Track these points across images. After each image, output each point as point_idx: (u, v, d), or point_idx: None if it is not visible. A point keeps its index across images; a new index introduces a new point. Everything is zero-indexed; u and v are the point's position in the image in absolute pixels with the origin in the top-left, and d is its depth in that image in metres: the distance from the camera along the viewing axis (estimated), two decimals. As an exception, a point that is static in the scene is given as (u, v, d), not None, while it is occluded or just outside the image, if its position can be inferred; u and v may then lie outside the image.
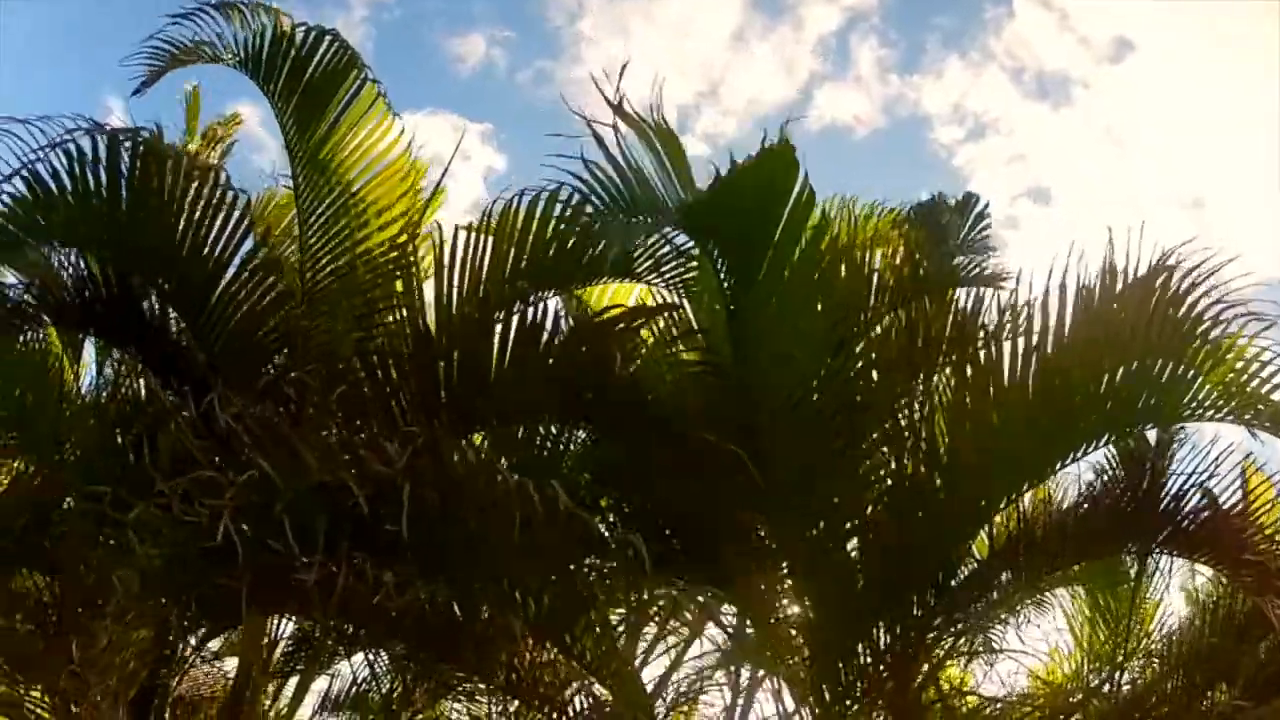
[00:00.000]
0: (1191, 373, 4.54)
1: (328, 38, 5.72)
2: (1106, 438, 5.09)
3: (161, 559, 4.18)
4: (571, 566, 5.36)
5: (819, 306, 5.28)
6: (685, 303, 5.74)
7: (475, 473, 4.52)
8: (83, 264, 5.77)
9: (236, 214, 5.42)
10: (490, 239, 5.44)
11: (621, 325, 5.89)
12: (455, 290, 5.57)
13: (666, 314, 5.69)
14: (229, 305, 5.65)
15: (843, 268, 5.73)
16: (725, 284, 4.86)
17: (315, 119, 5.81)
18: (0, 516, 6.31)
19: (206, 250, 5.48)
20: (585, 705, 5.72)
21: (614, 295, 6.81)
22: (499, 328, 5.58)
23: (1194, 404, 4.67)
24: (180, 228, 5.35)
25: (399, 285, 5.86)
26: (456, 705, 7.03)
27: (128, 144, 4.98)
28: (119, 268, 5.68)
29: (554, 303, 5.78)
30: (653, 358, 5.87)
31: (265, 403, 4.80)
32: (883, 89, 17.81)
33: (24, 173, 4.78)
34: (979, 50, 17.56)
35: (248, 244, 5.64)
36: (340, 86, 5.78)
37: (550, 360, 5.48)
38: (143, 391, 6.37)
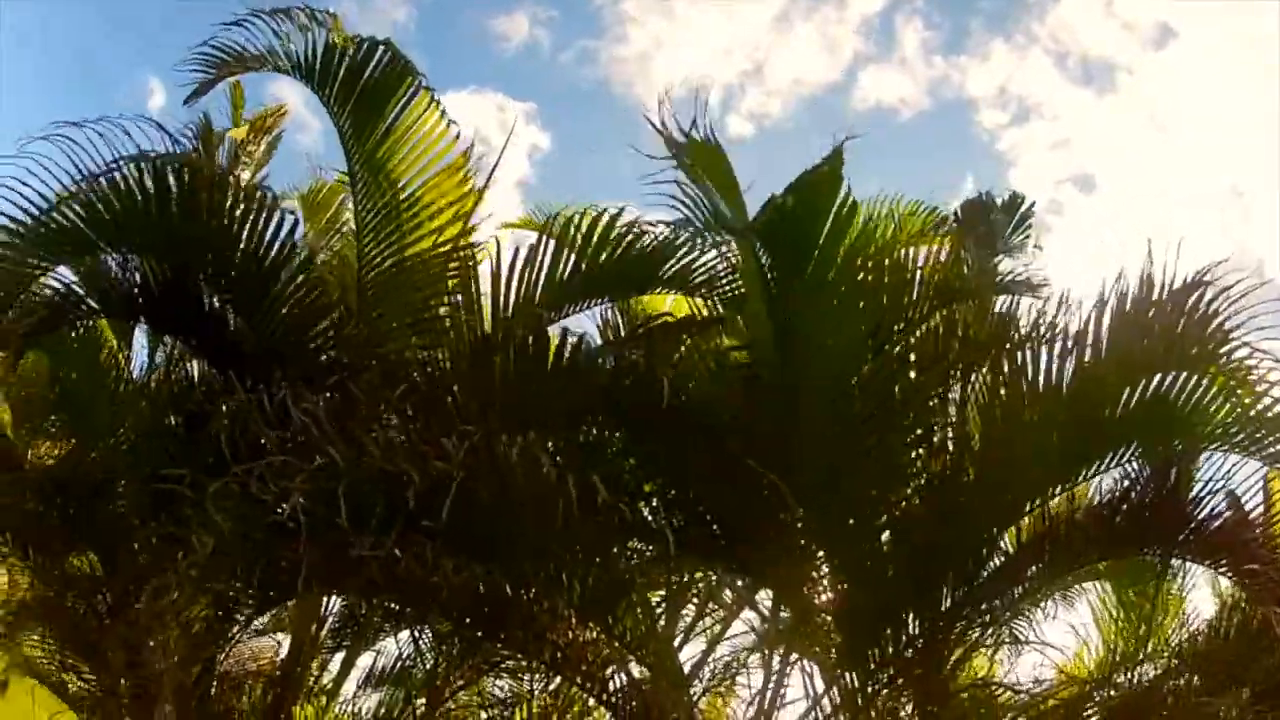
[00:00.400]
0: (1217, 395, 4.75)
1: (381, 48, 5.93)
2: (1135, 448, 5.28)
3: (233, 532, 4.46)
4: (614, 550, 5.65)
5: (861, 308, 5.53)
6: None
7: (523, 467, 4.78)
8: (136, 261, 6.04)
9: (288, 221, 5.72)
10: (550, 244, 5.72)
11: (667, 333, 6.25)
12: (513, 293, 5.85)
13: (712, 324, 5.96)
14: (283, 303, 5.92)
15: (885, 273, 5.93)
16: (774, 293, 5.08)
17: (371, 125, 6.04)
18: (54, 494, 6.60)
19: (260, 252, 5.74)
20: (623, 683, 5.98)
21: (650, 303, 7.11)
22: (553, 330, 5.87)
23: (1217, 428, 4.89)
24: (234, 232, 5.63)
25: (452, 284, 6.11)
26: (499, 682, 7.32)
27: (182, 168, 5.31)
28: (178, 267, 5.93)
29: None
30: (693, 363, 6.15)
31: (331, 396, 5.08)
32: (927, 71, 17.89)
33: (98, 182, 5.06)
34: (1023, 34, 17.59)
35: (297, 239, 5.93)
36: (394, 94, 6.00)
37: (598, 363, 5.72)
38: (195, 376, 6.69)
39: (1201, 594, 7.37)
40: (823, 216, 4.85)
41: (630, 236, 5.97)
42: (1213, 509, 5.35)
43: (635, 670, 5.99)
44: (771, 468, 5.42)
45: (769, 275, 5.04)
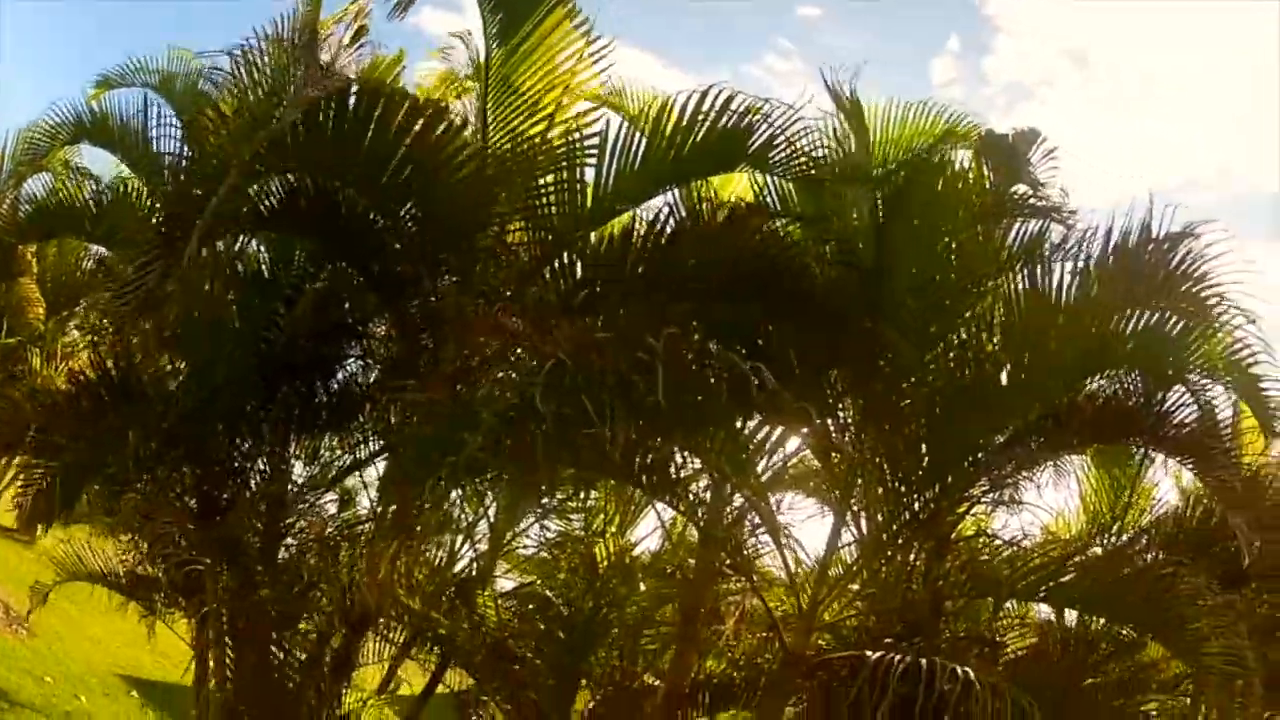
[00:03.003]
0: (1196, 332, 5.89)
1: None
2: (1128, 368, 6.45)
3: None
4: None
5: (932, 224, 6.92)
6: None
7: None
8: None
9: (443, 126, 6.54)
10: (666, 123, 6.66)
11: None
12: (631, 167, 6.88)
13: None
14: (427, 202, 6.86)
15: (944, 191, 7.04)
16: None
17: (516, 27, 7.00)
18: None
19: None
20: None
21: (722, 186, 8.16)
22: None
23: (1196, 359, 6.04)
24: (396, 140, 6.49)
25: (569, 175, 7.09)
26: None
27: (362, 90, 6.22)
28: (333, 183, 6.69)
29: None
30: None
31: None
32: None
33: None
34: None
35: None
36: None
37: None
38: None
39: (1166, 485, 8.65)
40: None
41: (718, 115, 6.71)
42: (1186, 417, 6.54)
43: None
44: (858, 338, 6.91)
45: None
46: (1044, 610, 7.92)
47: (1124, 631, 7.20)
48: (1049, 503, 8.39)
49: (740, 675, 7.99)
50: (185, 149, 7.24)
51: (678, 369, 5.72)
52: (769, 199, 7.84)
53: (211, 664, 6.91)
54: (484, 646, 7.35)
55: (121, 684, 13.40)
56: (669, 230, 7.39)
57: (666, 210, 7.59)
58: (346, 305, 7.56)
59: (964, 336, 7.09)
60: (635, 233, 7.44)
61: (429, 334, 7.32)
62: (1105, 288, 6.27)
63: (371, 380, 7.84)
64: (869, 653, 6.35)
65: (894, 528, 7.27)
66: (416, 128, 6.29)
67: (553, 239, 7.34)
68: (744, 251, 7.31)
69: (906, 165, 7.69)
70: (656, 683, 8.28)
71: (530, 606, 8.19)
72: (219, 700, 6.67)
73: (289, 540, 7.23)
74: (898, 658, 6.06)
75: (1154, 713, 6.20)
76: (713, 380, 5.98)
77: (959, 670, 5.75)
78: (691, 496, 7.16)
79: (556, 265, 7.46)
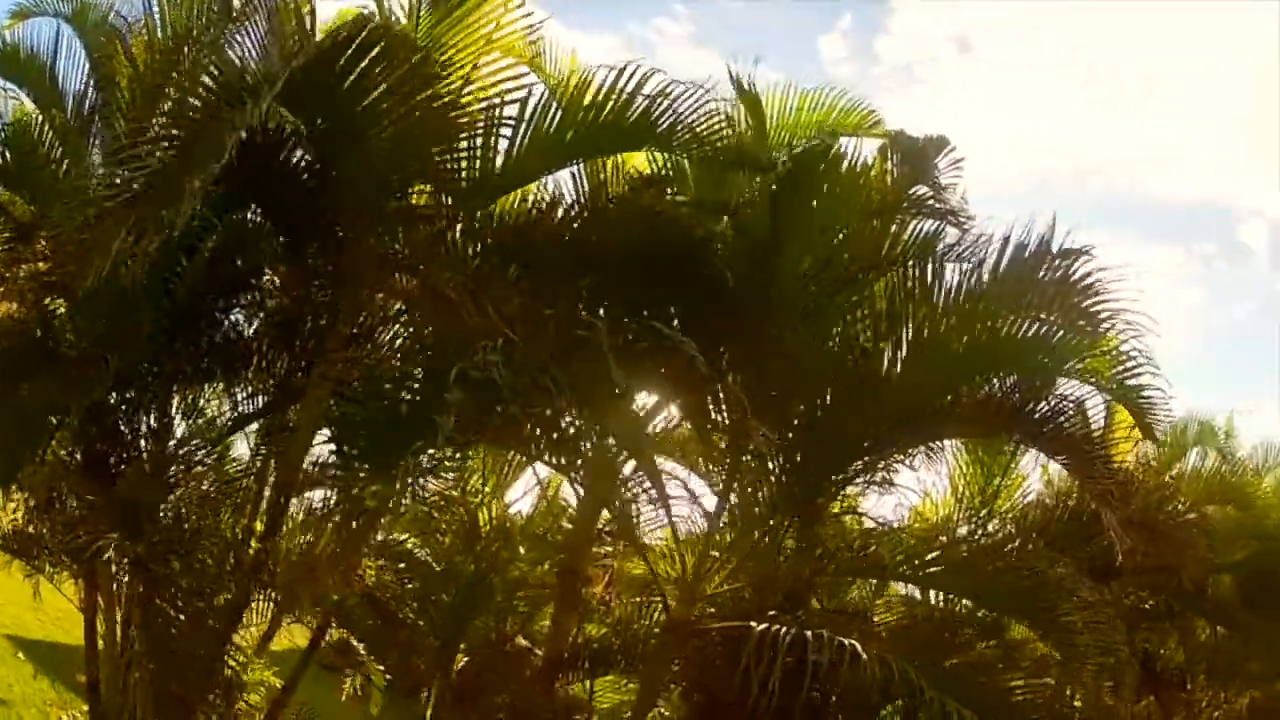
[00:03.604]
0: (1081, 341, 6.32)
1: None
2: (1013, 370, 6.84)
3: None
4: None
5: (825, 210, 7.16)
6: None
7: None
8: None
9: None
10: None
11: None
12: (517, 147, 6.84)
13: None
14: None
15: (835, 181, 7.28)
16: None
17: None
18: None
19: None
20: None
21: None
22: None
23: (1077, 368, 6.47)
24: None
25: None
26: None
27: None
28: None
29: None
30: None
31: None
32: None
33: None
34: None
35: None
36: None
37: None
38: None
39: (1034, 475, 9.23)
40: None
41: (632, 95, 6.75)
42: (1065, 420, 6.99)
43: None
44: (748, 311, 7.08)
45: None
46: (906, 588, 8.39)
47: (986, 613, 7.67)
48: (918, 482, 8.78)
49: (618, 641, 8.16)
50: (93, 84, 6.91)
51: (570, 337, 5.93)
52: (669, 176, 8.02)
53: (101, 626, 6.71)
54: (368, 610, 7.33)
55: (8, 645, 12.81)
56: (573, 204, 7.51)
57: (571, 184, 7.73)
58: (238, 262, 7.33)
59: (853, 325, 7.38)
60: (536, 205, 7.49)
61: (329, 292, 7.20)
62: (998, 293, 6.61)
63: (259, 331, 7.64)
64: (754, 623, 6.59)
65: (773, 505, 7.57)
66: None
67: (458, 204, 7.31)
68: (642, 227, 7.46)
69: (802, 154, 7.89)
70: (527, 645, 8.43)
71: (401, 565, 8.20)
72: (112, 661, 6.50)
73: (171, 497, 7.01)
74: (784, 629, 6.30)
75: (1017, 691, 6.61)
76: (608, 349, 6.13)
77: (845, 642, 6.04)
78: (579, 460, 7.30)
79: (460, 233, 7.45)
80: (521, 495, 9.46)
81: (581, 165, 7.76)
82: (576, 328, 6.22)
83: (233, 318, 7.66)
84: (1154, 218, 28.88)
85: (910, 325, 6.95)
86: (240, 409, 7.62)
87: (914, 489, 8.58)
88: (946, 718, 6.01)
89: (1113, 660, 6.76)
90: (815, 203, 7.30)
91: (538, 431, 6.68)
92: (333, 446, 6.40)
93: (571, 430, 6.65)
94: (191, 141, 5.66)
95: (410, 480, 5.41)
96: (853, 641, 6.01)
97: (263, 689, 7.13)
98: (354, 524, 6.29)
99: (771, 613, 6.90)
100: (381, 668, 8.16)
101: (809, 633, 6.23)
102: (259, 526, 7.13)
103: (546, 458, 7.45)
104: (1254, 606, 10.09)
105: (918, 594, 8.14)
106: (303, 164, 6.82)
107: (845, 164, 7.34)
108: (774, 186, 7.55)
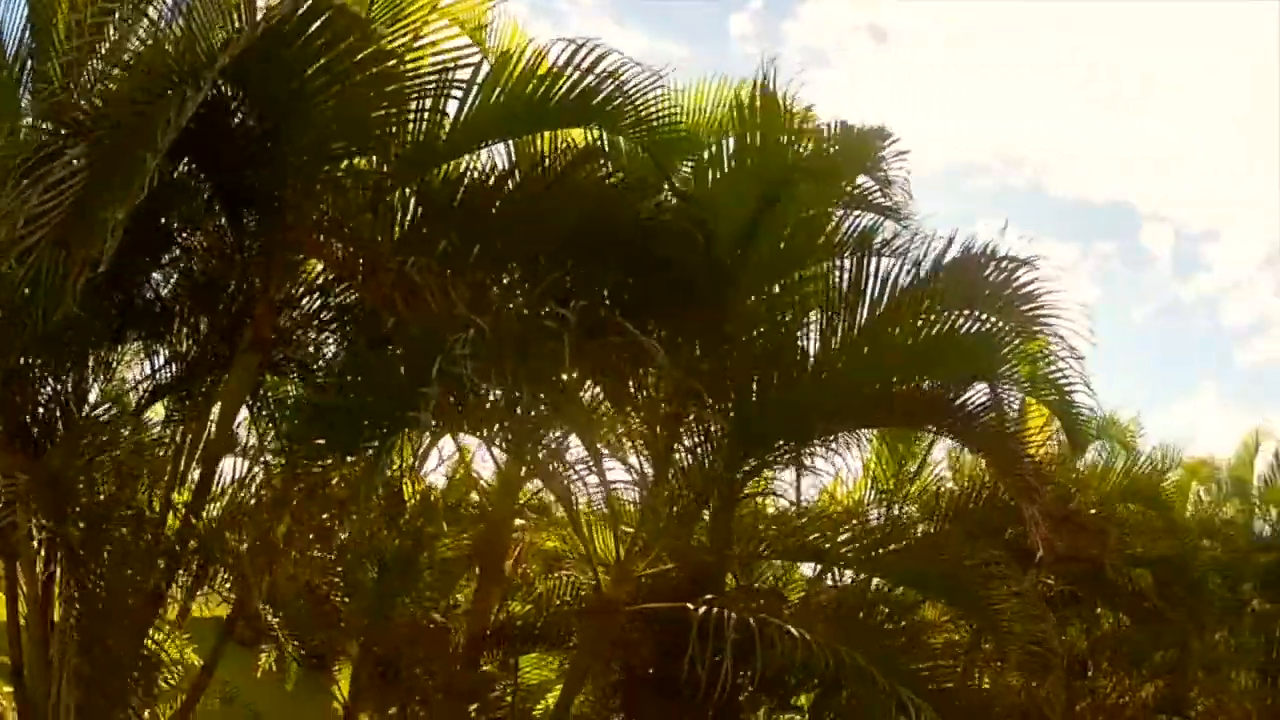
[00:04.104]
0: (1014, 346, 6.66)
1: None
2: (948, 368, 7.13)
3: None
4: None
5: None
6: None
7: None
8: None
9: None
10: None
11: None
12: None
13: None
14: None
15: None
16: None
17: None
18: None
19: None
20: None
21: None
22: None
23: (1008, 371, 6.83)
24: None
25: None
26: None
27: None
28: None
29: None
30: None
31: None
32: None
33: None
34: None
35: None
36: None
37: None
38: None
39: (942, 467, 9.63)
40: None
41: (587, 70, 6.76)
42: (989, 416, 7.33)
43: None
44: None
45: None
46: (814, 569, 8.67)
47: (900, 592, 8.01)
48: (830, 465, 9.01)
49: (542, 618, 8.18)
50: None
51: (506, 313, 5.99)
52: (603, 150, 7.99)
53: (23, 606, 6.35)
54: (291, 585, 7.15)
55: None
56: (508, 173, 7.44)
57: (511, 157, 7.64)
58: (163, 220, 6.97)
59: (787, 315, 7.55)
60: (472, 176, 7.38)
61: (260, 255, 6.95)
62: (936, 290, 6.87)
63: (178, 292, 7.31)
64: (689, 604, 6.72)
65: (699, 485, 7.71)
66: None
67: (397, 171, 7.15)
68: (585, 201, 7.44)
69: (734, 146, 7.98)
70: (442, 621, 8.36)
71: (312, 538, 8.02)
72: (36, 640, 6.17)
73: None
74: (730, 611, 6.44)
75: (926, 674, 6.94)
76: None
77: (794, 631, 6.22)
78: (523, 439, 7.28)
79: (395, 200, 7.30)
80: (435, 467, 9.38)
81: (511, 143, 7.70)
82: (535, 314, 6.19)
83: (155, 277, 7.35)
84: (1056, 214, 30.05)
85: (844, 316, 7.14)
86: (158, 376, 7.29)
87: (825, 472, 8.86)
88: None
89: (1039, 647, 7.12)
90: (738, 191, 7.47)
91: (495, 417, 6.61)
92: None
93: (531, 414, 6.59)
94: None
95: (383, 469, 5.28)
96: (804, 630, 6.18)
97: (180, 667, 6.87)
98: (324, 517, 6.11)
99: (701, 594, 7.04)
100: (296, 643, 7.94)
101: (752, 620, 6.37)
102: (178, 499, 6.89)
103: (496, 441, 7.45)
104: (1168, 600, 10.44)
105: (826, 576, 8.41)
106: (245, 126, 6.57)
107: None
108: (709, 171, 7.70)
